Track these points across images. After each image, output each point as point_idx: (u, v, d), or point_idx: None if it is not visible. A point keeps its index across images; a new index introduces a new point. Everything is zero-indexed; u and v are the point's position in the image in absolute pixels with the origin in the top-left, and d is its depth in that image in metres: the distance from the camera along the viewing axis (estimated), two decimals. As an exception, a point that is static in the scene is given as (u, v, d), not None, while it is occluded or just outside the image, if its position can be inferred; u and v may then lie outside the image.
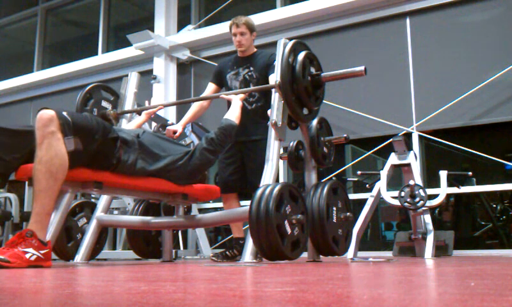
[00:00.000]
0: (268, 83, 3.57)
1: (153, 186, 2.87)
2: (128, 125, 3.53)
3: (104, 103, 3.69)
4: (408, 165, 4.04)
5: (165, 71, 6.67)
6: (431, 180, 5.05)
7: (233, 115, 3.07)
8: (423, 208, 3.77)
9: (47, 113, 2.22)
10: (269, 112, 2.95)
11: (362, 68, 2.83)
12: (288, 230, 2.48)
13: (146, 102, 3.65)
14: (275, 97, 2.85)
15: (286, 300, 0.92)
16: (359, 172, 4.54)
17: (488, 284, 1.23)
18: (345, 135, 3.23)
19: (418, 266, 2.43)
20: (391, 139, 4.18)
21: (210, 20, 6.84)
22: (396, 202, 3.85)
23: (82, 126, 2.34)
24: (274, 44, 3.12)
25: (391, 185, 4.21)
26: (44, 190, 2.17)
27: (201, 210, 5.81)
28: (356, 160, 5.52)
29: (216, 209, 5.97)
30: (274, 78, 2.87)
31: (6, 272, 1.78)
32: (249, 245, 2.74)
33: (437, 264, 2.64)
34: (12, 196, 6.02)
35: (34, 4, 9.02)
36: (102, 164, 2.54)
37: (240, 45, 3.78)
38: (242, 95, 3.24)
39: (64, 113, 2.28)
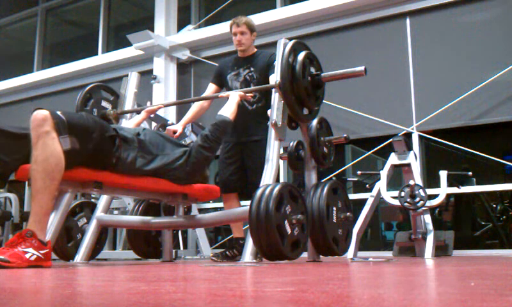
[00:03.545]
0: (268, 83, 3.57)
1: (153, 186, 2.86)
2: (128, 123, 3.53)
3: (104, 103, 3.69)
4: (408, 165, 4.04)
5: (165, 71, 6.67)
6: (431, 180, 5.05)
7: (228, 111, 3.03)
8: (423, 208, 3.77)
9: (41, 113, 2.22)
10: (269, 112, 2.95)
11: (362, 68, 2.83)
12: (288, 230, 2.48)
13: (148, 103, 3.65)
14: (275, 97, 2.85)
15: (286, 300, 0.92)
16: (359, 172, 4.54)
17: (488, 284, 1.23)
18: (345, 135, 3.23)
19: (418, 266, 2.43)
20: (391, 139, 4.18)
21: (210, 20, 6.84)
22: (396, 202, 3.85)
23: (77, 125, 2.34)
24: (274, 44, 3.12)
25: (391, 185, 4.21)
26: (41, 190, 2.17)
27: (201, 210, 5.81)
28: (356, 160, 5.52)
29: (216, 209, 5.97)
30: (275, 78, 2.87)
31: (6, 272, 1.78)
32: (249, 245, 2.74)
33: (437, 264, 2.64)
34: (12, 196, 6.03)
35: (34, 4, 9.02)
36: (102, 163, 2.54)
37: (240, 44, 3.78)
38: (241, 92, 3.23)
39: (59, 112, 2.28)
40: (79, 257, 3.26)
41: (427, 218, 3.95)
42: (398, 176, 4.41)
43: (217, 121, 2.97)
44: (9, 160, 2.35)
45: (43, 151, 2.18)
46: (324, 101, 3.11)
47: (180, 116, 5.01)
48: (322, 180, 3.37)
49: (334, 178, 3.55)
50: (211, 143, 2.92)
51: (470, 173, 4.31)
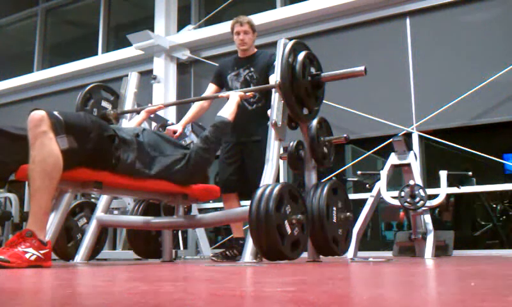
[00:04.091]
0: (268, 83, 3.57)
1: (153, 186, 2.86)
2: (129, 124, 3.53)
3: (104, 103, 3.69)
4: (408, 165, 4.04)
5: (165, 71, 6.67)
6: (431, 180, 5.05)
7: (227, 111, 3.02)
8: (423, 208, 3.77)
9: (38, 113, 2.22)
10: (269, 112, 2.95)
11: (362, 68, 2.83)
12: (288, 230, 2.47)
13: (150, 105, 3.65)
14: (275, 97, 2.85)
15: (286, 300, 0.92)
16: (359, 172, 4.54)
17: (488, 284, 1.23)
18: (345, 135, 3.23)
19: (418, 266, 2.43)
20: (391, 139, 4.18)
21: (210, 20, 6.84)
22: (396, 202, 3.85)
23: (75, 124, 2.34)
24: (274, 44, 3.12)
25: (391, 185, 4.21)
26: (40, 190, 2.17)
27: (201, 210, 5.81)
28: (356, 160, 5.52)
29: (216, 209, 5.97)
30: (274, 78, 2.87)
31: (6, 272, 1.78)
32: (249, 245, 2.74)
33: (437, 264, 2.64)
34: (12, 196, 6.03)
35: (34, 4, 9.02)
36: (101, 163, 2.53)
37: (243, 43, 3.77)
38: (241, 92, 3.23)
39: (56, 112, 2.28)
40: (79, 257, 3.25)
41: (427, 218, 3.95)
42: (398, 176, 4.42)
43: (217, 122, 2.97)
44: (9, 161, 2.35)
45: (41, 151, 2.18)
46: (324, 101, 3.11)
47: (180, 116, 5.01)
48: (322, 180, 3.37)
49: (334, 178, 3.55)
50: (211, 145, 2.91)
51: (470, 173, 4.31)
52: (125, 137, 2.64)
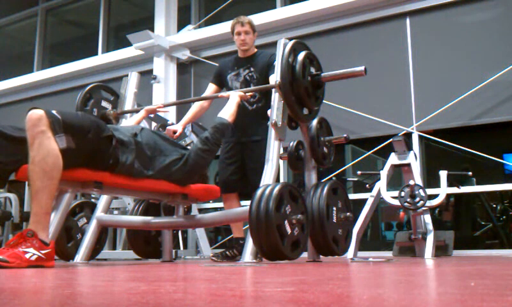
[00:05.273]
0: (268, 83, 3.57)
1: (153, 186, 2.86)
2: (128, 122, 3.53)
3: (104, 103, 3.69)
4: (408, 165, 4.04)
5: (165, 71, 6.67)
6: (431, 180, 5.05)
7: (227, 112, 3.02)
8: (423, 208, 3.77)
9: (36, 113, 2.21)
10: (269, 112, 2.95)
11: (362, 68, 2.83)
12: (288, 230, 2.48)
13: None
14: (275, 97, 2.85)
15: (286, 300, 0.92)
16: (359, 172, 4.54)
17: (488, 284, 1.23)
18: (345, 135, 3.23)
19: (418, 266, 2.43)
20: (391, 139, 4.18)
21: (210, 20, 6.84)
22: (396, 202, 3.85)
23: (73, 124, 2.33)
24: (274, 44, 3.12)
25: (391, 185, 4.21)
26: (40, 190, 2.17)
27: (201, 210, 5.81)
28: (356, 160, 5.52)
29: (216, 209, 5.97)
30: (275, 78, 2.87)
31: (6, 272, 1.78)
32: (249, 245, 2.74)
33: (437, 264, 2.64)
34: (12, 196, 6.03)
35: (34, 4, 9.02)
36: (101, 163, 2.52)
37: (245, 43, 3.78)
38: (241, 92, 3.23)
39: (54, 112, 2.27)
40: (79, 257, 3.26)
41: (427, 218, 3.95)
42: (398, 176, 4.42)
43: (217, 123, 2.96)
44: (9, 161, 2.34)
45: (40, 151, 2.17)
46: (324, 101, 3.11)
47: (180, 116, 5.01)
48: (322, 180, 3.37)
49: (334, 178, 3.55)
50: (211, 146, 2.90)
51: (470, 173, 4.31)
52: (123, 138, 2.62)
